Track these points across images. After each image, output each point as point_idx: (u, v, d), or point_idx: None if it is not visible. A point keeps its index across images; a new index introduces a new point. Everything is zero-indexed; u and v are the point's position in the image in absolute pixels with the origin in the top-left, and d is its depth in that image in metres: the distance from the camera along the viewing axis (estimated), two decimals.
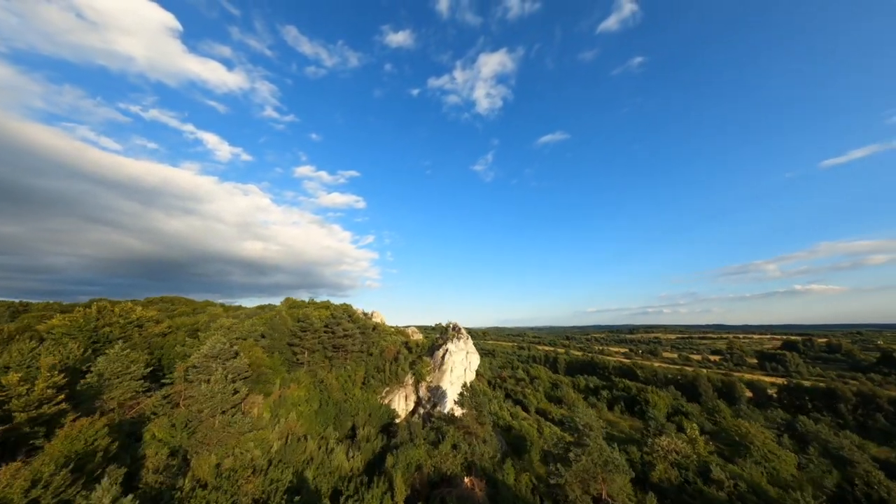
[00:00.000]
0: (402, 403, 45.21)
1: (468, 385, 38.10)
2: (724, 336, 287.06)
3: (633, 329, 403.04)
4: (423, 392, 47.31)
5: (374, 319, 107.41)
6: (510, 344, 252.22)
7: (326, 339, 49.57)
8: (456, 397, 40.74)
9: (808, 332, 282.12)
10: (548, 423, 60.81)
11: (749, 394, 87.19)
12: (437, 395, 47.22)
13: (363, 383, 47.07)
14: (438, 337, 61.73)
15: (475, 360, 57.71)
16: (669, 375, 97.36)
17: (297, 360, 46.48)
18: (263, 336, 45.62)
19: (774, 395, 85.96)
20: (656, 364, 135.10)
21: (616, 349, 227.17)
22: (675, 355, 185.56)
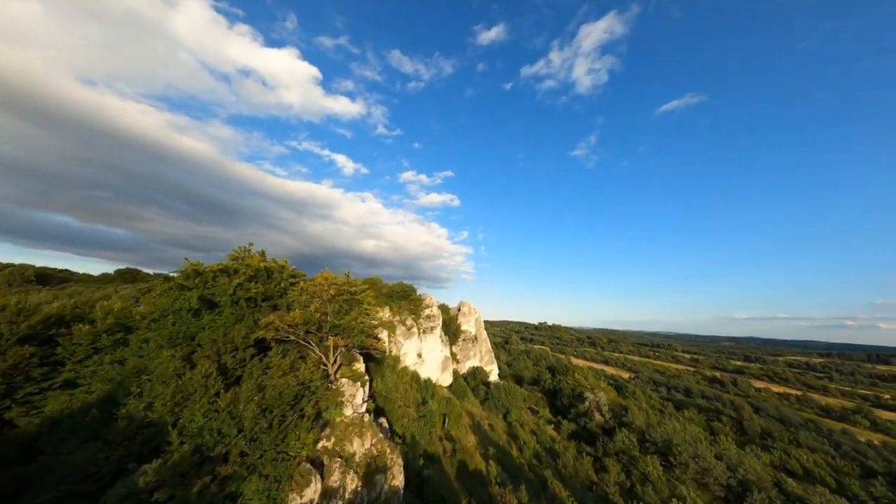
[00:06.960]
0: None
1: None
2: None
3: (827, 350, 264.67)
4: None
5: (461, 316, 66.22)
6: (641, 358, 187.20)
7: None
8: None
9: None
10: None
11: None
12: None
13: None
14: None
15: None
16: None
17: None
18: None
19: None
20: None
21: (833, 386, 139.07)
22: None
